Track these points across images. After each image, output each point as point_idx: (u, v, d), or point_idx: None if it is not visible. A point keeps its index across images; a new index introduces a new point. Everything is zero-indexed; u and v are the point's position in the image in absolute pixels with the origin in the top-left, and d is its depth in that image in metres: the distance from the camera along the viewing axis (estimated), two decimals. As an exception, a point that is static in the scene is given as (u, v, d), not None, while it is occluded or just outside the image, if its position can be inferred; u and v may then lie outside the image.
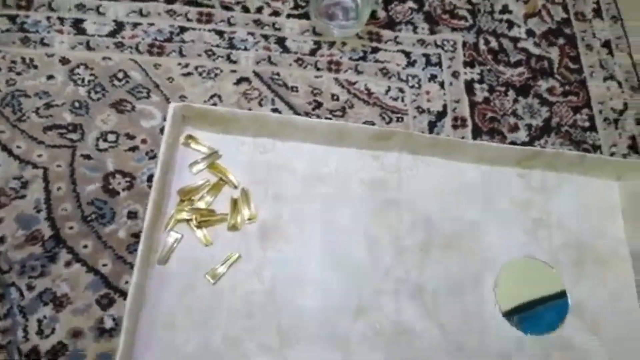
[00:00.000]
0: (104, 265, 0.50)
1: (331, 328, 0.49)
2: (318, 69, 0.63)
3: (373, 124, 0.60)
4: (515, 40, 0.68)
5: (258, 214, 0.53)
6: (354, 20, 0.64)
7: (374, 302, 0.51)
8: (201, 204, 0.53)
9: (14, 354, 0.46)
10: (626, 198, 0.58)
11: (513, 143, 0.62)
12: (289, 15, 0.65)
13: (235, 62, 0.62)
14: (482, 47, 0.67)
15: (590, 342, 0.52)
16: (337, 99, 0.61)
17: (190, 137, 0.55)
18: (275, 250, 0.52)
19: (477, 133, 0.62)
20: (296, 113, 0.60)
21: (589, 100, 0.65)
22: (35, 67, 0.58)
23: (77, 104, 0.57)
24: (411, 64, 0.65)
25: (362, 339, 0.49)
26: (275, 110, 0.59)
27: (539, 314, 0.53)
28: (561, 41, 0.69)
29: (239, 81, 0.61)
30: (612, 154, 0.62)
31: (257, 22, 0.64)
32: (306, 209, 0.54)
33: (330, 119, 0.60)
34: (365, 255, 0.52)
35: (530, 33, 0.68)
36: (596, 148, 0.62)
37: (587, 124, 0.64)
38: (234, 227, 0.52)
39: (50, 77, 0.58)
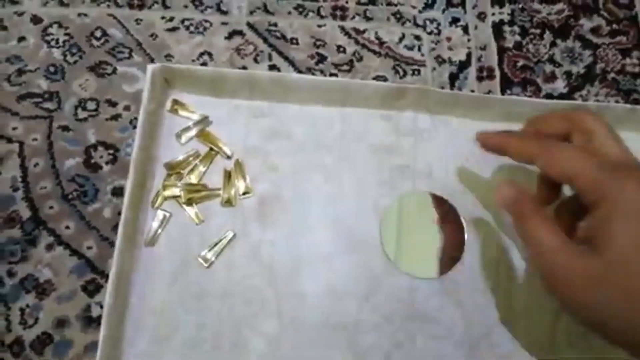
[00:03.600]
0: (89, 247, 0.46)
1: (336, 314, 0.44)
2: (321, 17, 0.55)
3: (385, 79, 0.53)
4: (553, -29, 0.58)
5: (254, 188, 0.47)
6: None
7: (385, 283, 0.45)
8: (191, 178, 0.47)
9: (-3, 345, 0.43)
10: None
11: (549, 96, 0.53)
12: (287, -46, 0.57)
13: (226, 13, 0.54)
14: (513, -19, 0.57)
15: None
16: (344, 51, 0.54)
17: (176, 102, 0.49)
18: (274, 228, 0.46)
19: (506, 85, 0.53)
20: (297, 69, 0.52)
21: (641, 40, 0.56)
22: (5, 28, 0.52)
23: (52, 69, 0.51)
24: (429, 5, 0.56)
25: (371, 326, 0.44)
26: (273, 67, 0.52)
27: None
28: (609, -30, 0.58)
29: (231, 35, 0.53)
30: (667, 104, 0.53)
31: (251, -36, 0.56)
32: (308, 181, 0.47)
33: (335, 74, 0.53)
34: (376, 232, 0.46)
35: (571, -38, 0.58)
36: (648, 98, 0.54)
37: (637, 69, 0.55)
38: (228, 203, 0.47)
39: (21, 39, 0.52)
